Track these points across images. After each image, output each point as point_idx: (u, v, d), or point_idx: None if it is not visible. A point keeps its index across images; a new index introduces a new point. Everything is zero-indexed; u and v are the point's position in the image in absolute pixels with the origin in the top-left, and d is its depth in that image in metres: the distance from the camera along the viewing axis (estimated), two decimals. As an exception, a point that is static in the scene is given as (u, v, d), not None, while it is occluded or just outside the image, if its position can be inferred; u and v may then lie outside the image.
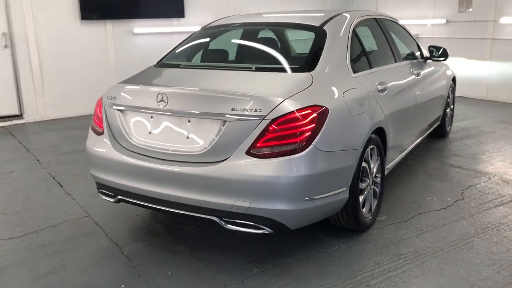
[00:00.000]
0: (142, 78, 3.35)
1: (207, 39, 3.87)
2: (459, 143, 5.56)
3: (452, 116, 6.00)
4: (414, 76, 4.19)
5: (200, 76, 3.17)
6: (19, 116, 7.24)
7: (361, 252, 3.06)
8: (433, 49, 4.74)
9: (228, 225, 2.71)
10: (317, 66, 3.01)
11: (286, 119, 2.58)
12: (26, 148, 5.75)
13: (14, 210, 3.87)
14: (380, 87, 3.39)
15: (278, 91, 2.72)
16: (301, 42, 3.83)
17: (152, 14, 8.04)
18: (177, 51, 3.77)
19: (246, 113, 2.60)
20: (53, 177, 4.67)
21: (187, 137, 2.80)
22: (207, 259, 3.02)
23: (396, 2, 9.57)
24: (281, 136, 2.58)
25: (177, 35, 8.38)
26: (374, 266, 2.90)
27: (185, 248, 3.17)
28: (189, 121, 2.79)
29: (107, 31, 7.73)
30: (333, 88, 2.95)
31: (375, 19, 4.02)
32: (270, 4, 9.39)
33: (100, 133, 3.16)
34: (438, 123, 5.33)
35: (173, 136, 2.85)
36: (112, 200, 3.14)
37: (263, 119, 2.59)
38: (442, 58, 4.73)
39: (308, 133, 2.60)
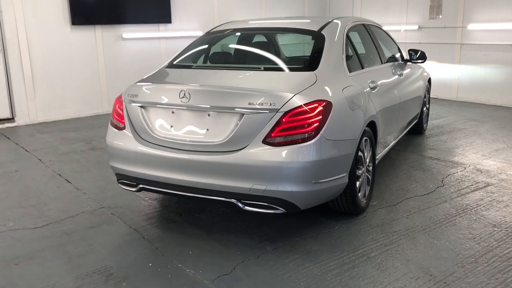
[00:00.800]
0: (159, 77, 3.66)
1: (213, 43, 4.21)
2: (435, 139, 6.05)
3: (428, 114, 6.50)
4: (397, 76, 4.63)
5: (214, 75, 3.51)
6: (11, 119, 7.38)
7: (359, 231, 3.44)
8: (412, 52, 5.20)
9: (246, 207, 3.05)
10: (319, 66, 3.40)
11: (297, 112, 2.95)
12: (25, 149, 5.92)
13: (30, 204, 4.10)
14: (371, 85, 3.81)
15: (289, 87, 3.08)
16: (299, 45, 4.21)
17: (140, 20, 8.30)
18: (186, 54, 4.08)
19: (262, 107, 2.96)
20: (59, 175, 4.90)
21: (207, 130, 3.13)
22: (223, 240, 3.34)
23: (371, 9, 10.11)
24: (293, 126, 2.94)
25: (164, 40, 8.70)
26: (372, 241, 3.29)
27: (200, 232, 3.49)
28: (208, 115, 3.12)
29: (96, 36, 7.96)
30: (334, 85, 3.34)
31: (363, 24, 4.45)
32: (252, 11, 9.78)
33: (121, 128, 3.45)
34: (416, 120, 5.81)
35: (193, 129, 3.17)
36: (133, 189, 3.43)
37: (277, 112, 2.94)
38: (420, 61, 5.19)
39: (316, 124, 2.97)
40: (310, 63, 3.47)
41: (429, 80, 6.23)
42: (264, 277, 2.87)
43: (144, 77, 3.72)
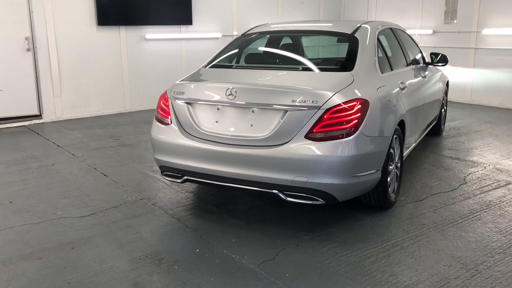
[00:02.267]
0: (202, 76, 3.87)
1: (249, 44, 4.43)
2: (453, 140, 6.24)
3: (445, 116, 6.69)
4: (421, 78, 4.84)
5: (256, 74, 3.72)
6: (39, 116, 7.61)
7: (390, 224, 3.64)
8: (433, 55, 5.40)
9: (288, 198, 3.26)
10: (355, 67, 3.61)
11: (337, 109, 3.16)
12: (56, 145, 6.15)
13: (73, 195, 4.32)
14: (401, 86, 4.01)
15: (329, 86, 3.29)
16: (333, 47, 4.42)
17: (162, 21, 8.54)
18: (224, 55, 4.29)
19: (304, 104, 3.16)
20: (95, 168, 5.12)
21: (251, 125, 3.34)
22: (263, 230, 3.55)
23: (386, 13, 10.32)
24: (333, 123, 3.15)
25: (185, 41, 8.93)
26: (403, 233, 3.48)
27: (239, 222, 3.69)
28: (253, 111, 3.33)
29: (121, 37, 8.19)
30: (370, 85, 3.54)
31: (390, 28, 4.65)
32: (269, 15, 10.00)
33: (167, 123, 3.67)
34: (435, 121, 6.00)
35: (238, 124, 3.38)
36: (178, 180, 3.65)
37: (319, 109, 3.15)
38: (441, 64, 5.39)
39: (355, 121, 3.18)
40: (346, 64, 3.68)
41: (447, 83, 6.42)
42: (305, 262, 3.07)
43: (186, 76, 3.94)
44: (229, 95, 3.34)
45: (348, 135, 3.15)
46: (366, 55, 3.79)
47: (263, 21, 9.87)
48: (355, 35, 3.94)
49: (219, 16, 9.31)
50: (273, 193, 3.29)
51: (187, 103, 3.56)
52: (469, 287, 2.78)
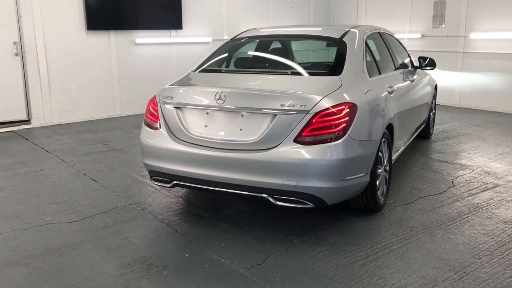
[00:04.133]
0: (191, 80, 3.88)
1: (238, 49, 4.44)
2: (441, 143, 6.30)
3: (434, 119, 6.75)
4: (409, 82, 4.88)
5: (245, 79, 3.73)
6: (27, 121, 7.56)
7: (379, 227, 3.66)
8: (421, 59, 5.45)
9: (277, 202, 3.27)
10: (343, 71, 3.63)
11: (326, 113, 3.17)
12: (45, 150, 6.11)
13: (62, 200, 4.29)
14: (389, 90, 4.05)
15: (318, 90, 3.31)
16: (323, 51, 4.45)
17: (152, 26, 8.53)
18: (214, 59, 4.29)
19: (293, 108, 3.18)
20: (84, 174, 5.09)
21: (240, 129, 3.35)
22: (252, 234, 3.55)
23: (375, 18, 10.39)
24: (322, 127, 3.16)
25: (175, 45, 8.93)
26: (392, 236, 3.50)
27: (229, 226, 3.69)
28: (242, 115, 3.34)
29: (110, 41, 8.17)
30: (358, 89, 3.57)
31: (378, 32, 4.69)
32: (260, 19, 10.04)
33: (155, 128, 3.66)
34: (424, 125, 6.05)
35: (227, 129, 3.39)
36: (167, 185, 3.64)
37: (307, 113, 3.17)
38: (429, 68, 5.44)
39: (343, 125, 3.20)
40: (335, 68, 3.70)
41: (436, 87, 6.48)
42: (295, 266, 3.08)
43: (175, 80, 3.94)
44: (218, 99, 3.35)
45: (336, 139, 3.17)
46: (354, 59, 3.82)
47: (253, 25, 9.91)
48: (343, 39, 3.97)
49: (209, 21, 9.32)
50: (262, 197, 3.29)
51: (176, 107, 3.56)
52: (457, 289, 2.80)
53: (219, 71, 4.18)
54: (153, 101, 3.76)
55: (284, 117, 3.21)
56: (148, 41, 8.56)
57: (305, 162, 3.14)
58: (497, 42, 8.42)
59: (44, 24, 7.43)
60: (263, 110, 3.25)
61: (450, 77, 9.19)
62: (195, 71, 4.18)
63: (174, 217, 3.88)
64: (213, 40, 9.35)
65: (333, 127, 3.17)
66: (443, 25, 9.16)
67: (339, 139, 3.17)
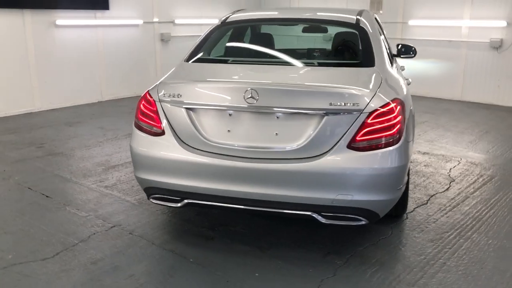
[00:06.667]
0: (199, 74, 3.14)
1: (241, 34, 3.74)
2: (407, 132, 6.15)
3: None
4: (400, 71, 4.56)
5: (275, 71, 3.09)
6: None
7: (413, 235, 3.29)
8: (402, 47, 5.16)
9: (328, 220, 2.72)
10: (375, 61, 3.14)
11: (380, 112, 2.68)
12: (-39, 158, 4.89)
13: (15, 228, 3.33)
14: (409, 81, 3.66)
15: (365, 85, 2.79)
16: (331, 37, 3.92)
17: (75, 5, 7.34)
18: (207, 46, 3.55)
19: (345, 107, 2.64)
20: (29, 188, 4.08)
21: (276, 134, 2.73)
22: (283, 257, 2.98)
23: (309, 2, 10.09)
24: (378, 129, 2.66)
25: (101, 28, 7.82)
26: (433, 246, 3.15)
27: (250, 249, 3.08)
28: (277, 117, 2.72)
29: (25, 22, 6.86)
30: (396, 81, 3.13)
31: (375, 18, 4.28)
32: (192, 2, 9.20)
33: (156, 134, 2.90)
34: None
35: (258, 133, 2.75)
36: (177, 205, 2.91)
37: (361, 113, 2.65)
38: (408, 55, 5.17)
39: (398, 125, 2.73)
40: (367, 58, 3.19)
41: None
42: (356, 296, 2.59)
43: (170, 73, 3.17)
44: (249, 97, 2.68)
45: (394, 143, 2.70)
46: (379, 46, 3.35)
47: (185, 8, 9.07)
48: (360, 25, 3.48)
49: (139, 1, 8.30)
50: (306, 215, 2.73)
51: (187, 108, 2.82)
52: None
53: (225, 62, 3.45)
54: (147, 100, 2.97)
55: (334, 118, 2.65)
56: (70, 22, 7.37)
57: (363, 172, 2.63)
58: (433, 29, 8.56)
59: None
60: (308, 110, 2.67)
61: (388, 64, 9.20)
62: (187, 61, 3.41)
63: (175, 241, 3.16)
64: (144, 22, 8.37)
65: (389, 128, 2.69)
66: (381, 11, 9.12)
67: (397, 143, 2.70)
